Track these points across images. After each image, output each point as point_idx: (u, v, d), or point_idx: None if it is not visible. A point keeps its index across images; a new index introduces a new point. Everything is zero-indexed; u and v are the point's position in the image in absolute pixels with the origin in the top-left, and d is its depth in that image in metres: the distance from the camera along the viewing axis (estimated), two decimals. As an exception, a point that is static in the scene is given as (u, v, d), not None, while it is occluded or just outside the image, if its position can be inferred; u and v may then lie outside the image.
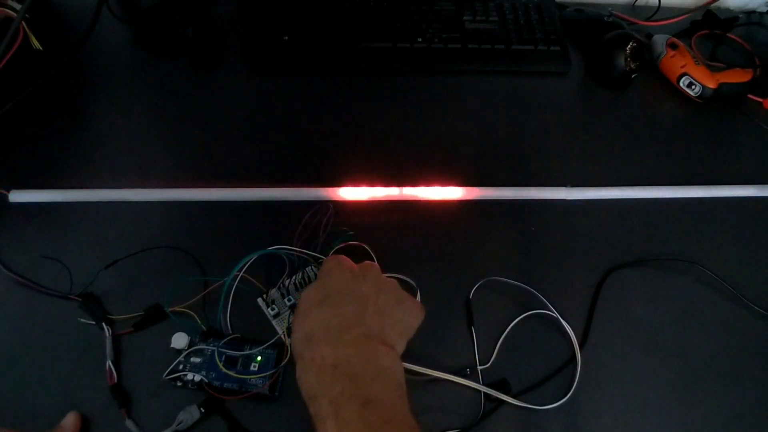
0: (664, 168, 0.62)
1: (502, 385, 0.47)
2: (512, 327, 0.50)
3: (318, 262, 0.50)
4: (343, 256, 0.45)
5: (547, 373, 0.48)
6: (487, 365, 0.48)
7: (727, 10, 0.80)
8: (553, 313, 0.50)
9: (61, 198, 0.55)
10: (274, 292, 0.49)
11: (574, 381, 0.48)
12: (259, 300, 0.49)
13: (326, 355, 0.36)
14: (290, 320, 0.48)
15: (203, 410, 0.43)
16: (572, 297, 0.53)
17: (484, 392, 0.46)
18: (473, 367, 0.47)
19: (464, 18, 0.71)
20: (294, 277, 0.50)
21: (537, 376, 0.48)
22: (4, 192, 0.55)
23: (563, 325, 0.50)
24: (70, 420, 0.43)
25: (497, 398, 0.46)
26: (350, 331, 0.38)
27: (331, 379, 0.35)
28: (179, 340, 0.46)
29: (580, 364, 0.48)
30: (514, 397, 0.46)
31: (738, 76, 0.67)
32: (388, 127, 0.63)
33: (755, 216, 0.59)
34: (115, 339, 0.47)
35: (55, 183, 0.56)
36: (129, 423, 0.43)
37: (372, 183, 0.58)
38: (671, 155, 0.64)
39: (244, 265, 0.48)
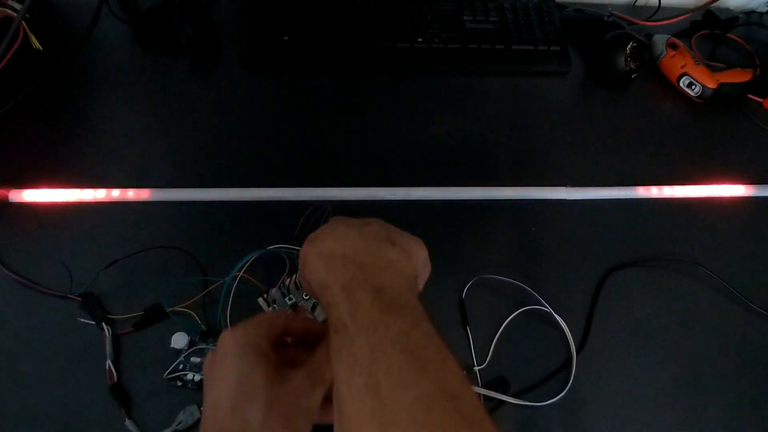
0: (664, 168, 0.62)
1: (500, 383, 0.47)
2: (507, 324, 0.50)
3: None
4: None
5: (544, 368, 0.49)
6: (483, 365, 0.48)
7: (727, 10, 0.80)
8: (547, 308, 0.50)
9: (61, 198, 0.55)
10: (275, 292, 0.49)
11: (571, 374, 0.48)
12: (260, 300, 0.49)
13: (334, 247, 0.36)
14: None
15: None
16: (572, 297, 0.53)
17: (483, 394, 0.46)
18: (470, 368, 0.47)
19: (464, 18, 0.71)
20: (294, 276, 0.50)
21: (534, 371, 0.48)
22: (4, 192, 0.55)
23: (557, 320, 0.50)
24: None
25: (497, 398, 0.46)
26: (357, 230, 0.37)
27: (342, 267, 0.35)
28: (179, 340, 0.46)
29: (576, 357, 0.48)
30: (513, 395, 0.46)
31: (738, 76, 0.67)
32: (387, 127, 0.63)
33: (755, 216, 0.60)
34: (115, 339, 0.47)
35: (55, 183, 0.56)
36: (129, 423, 0.43)
37: (371, 183, 0.58)
38: (671, 155, 0.64)
39: (244, 264, 0.48)
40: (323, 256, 0.36)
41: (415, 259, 0.37)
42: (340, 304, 0.33)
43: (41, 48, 0.62)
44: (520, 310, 0.51)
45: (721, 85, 0.66)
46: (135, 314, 0.48)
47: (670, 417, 0.47)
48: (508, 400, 0.46)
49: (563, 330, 0.50)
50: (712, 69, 0.67)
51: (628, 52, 0.66)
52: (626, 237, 0.57)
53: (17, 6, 0.60)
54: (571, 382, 0.47)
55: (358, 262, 0.35)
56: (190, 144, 0.60)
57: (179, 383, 0.45)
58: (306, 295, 0.49)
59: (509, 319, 0.50)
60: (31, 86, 0.59)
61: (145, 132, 0.61)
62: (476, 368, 0.48)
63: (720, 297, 0.54)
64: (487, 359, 0.48)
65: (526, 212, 0.58)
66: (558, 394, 0.47)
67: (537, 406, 0.46)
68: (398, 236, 0.38)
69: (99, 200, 0.55)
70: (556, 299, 0.52)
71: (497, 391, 0.47)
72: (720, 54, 0.73)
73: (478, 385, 0.47)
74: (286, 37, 0.67)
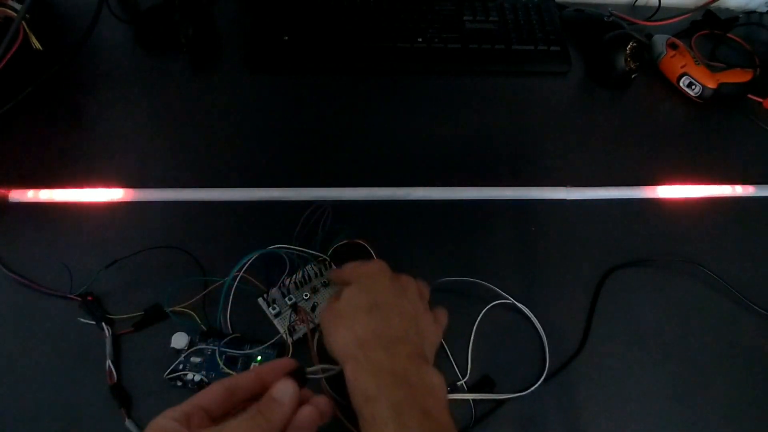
0: (664, 168, 0.62)
1: (485, 383, 0.47)
2: (478, 324, 0.50)
3: (318, 260, 0.50)
4: (383, 262, 0.45)
5: (522, 360, 0.49)
6: (467, 377, 0.47)
7: (727, 10, 0.80)
8: (509, 299, 0.50)
9: (61, 198, 0.55)
10: (275, 292, 0.49)
11: (546, 358, 0.48)
12: (260, 300, 0.49)
13: (383, 360, 0.37)
14: (319, 319, 0.48)
15: (203, 410, 0.43)
16: (572, 297, 0.53)
17: (472, 400, 0.46)
18: (454, 383, 0.47)
19: (464, 18, 0.71)
20: (294, 276, 0.50)
21: (513, 363, 0.48)
22: (4, 192, 0.55)
23: (522, 309, 0.50)
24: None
25: (488, 400, 0.46)
26: (402, 346, 0.39)
27: (392, 384, 0.36)
28: (179, 340, 0.46)
29: (546, 340, 0.49)
30: (501, 392, 0.46)
31: (738, 76, 0.67)
32: (387, 127, 0.63)
33: (755, 216, 0.60)
34: (115, 339, 0.47)
35: (55, 183, 0.56)
36: (129, 423, 0.43)
37: (371, 183, 0.58)
38: (671, 155, 0.64)
39: (244, 264, 0.48)
40: (372, 365, 0.37)
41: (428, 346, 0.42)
42: (388, 424, 0.34)
43: (41, 48, 0.61)
44: (487, 307, 0.50)
45: (721, 85, 0.66)
46: (135, 314, 0.48)
47: (670, 416, 0.47)
48: (498, 398, 0.46)
49: (528, 316, 0.50)
50: (712, 69, 0.67)
51: (628, 52, 0.66)
52: (626, 237, 0.57)
53: (17, 6, 0.60)
54: (546, 368, 0.48)
55: (408, 382, 0.36)
56: (190, 144, 0.60)
57: (179, 383, 0.45)
58: (306, 295, 0.49)
59: (479, 317, 0.50)
60: (31, 86, 0.59)
61: (145, 132, 0.61)
62: (462, 382, 0.47)
63: (720, 297, 0.54)
64: (468, 360, 0.48)
65: (525, 212, 0.58)
66: (538, 378, 0.47)
67: (524, 395, 0.46)
68: (424, 323, 0.42)
69: (99, 200, 0.55)
70: (556, 299, 0.52)
71: (482, 390, 0.46)
72: (720, 54, 0.73)
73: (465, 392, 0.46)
74: (286, 37, 0.67)
